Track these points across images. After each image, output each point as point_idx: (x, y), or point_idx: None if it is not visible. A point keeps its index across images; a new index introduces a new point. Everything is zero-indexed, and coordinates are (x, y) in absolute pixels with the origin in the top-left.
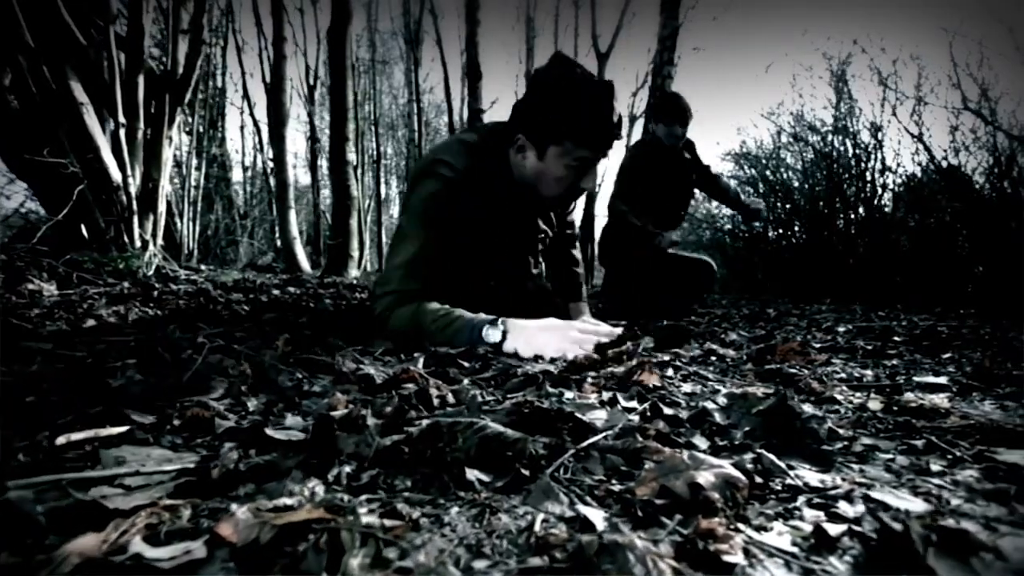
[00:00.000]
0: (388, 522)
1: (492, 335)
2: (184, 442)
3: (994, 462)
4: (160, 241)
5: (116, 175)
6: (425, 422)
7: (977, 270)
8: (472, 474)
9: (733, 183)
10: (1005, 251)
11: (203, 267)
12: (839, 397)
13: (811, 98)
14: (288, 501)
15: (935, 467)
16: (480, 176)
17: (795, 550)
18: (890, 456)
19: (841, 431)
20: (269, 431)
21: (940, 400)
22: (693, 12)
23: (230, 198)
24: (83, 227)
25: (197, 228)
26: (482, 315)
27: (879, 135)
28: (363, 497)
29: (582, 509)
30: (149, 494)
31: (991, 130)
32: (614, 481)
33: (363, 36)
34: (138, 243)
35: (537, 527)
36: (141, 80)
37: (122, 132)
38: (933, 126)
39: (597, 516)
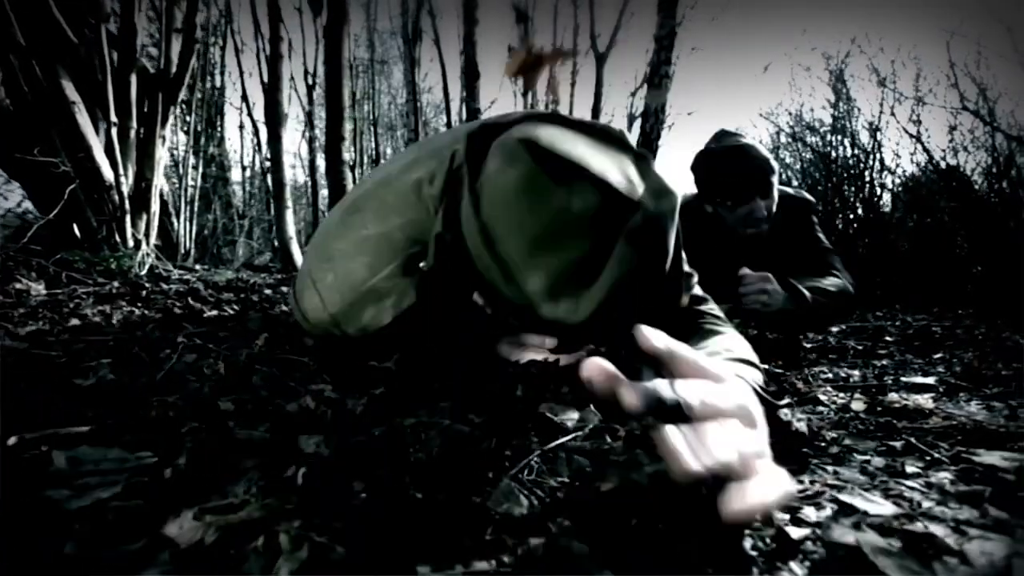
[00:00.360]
0: (335, 524)
1: None
2: (145, 442)
3: (971, 463)
4: (154, 240)
5: (108, 174)
6: (391, 423)
7: (976, 270)
8: (433, 476)
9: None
10: (1003, 251)
11: (198, 267)
12: (823, 398)
13: (809, 98)
14: (236, 502)
15: (911, 469)
16: None
17: (754, 554)
18: (867, 457)
19: (821, 432)
20: (232, 431)
21: (924, 400)
22: (692, 12)
23: (228, 198)
24: (75, 226)
25: (194, 228)
26: None
27: (877, 135)
28: (313, 499)
29: (541, 512)
30: (96, 495)
31: (989, 130)
32: (578, 483)
33: (362, 36)
34: (131, 242)
35: (490, 530)
36: (134, 79)
37: (114, 131)
38: (932, 126)
39: (554, 519)
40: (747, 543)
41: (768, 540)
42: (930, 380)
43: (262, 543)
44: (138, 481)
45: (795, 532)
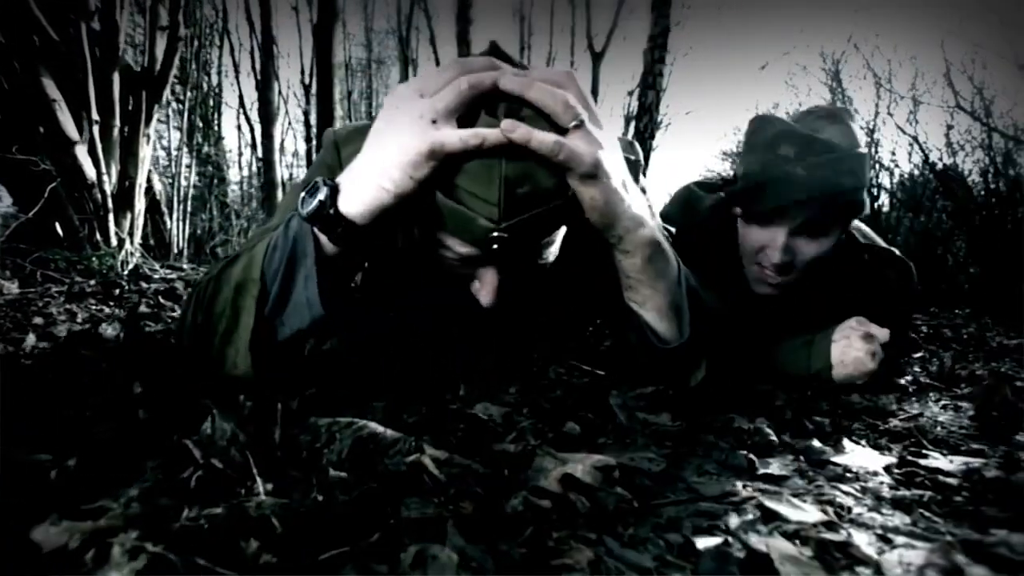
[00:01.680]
0: (207, 531)
1: (314, 199)
2: (46, 443)
3: (916, 467)
4: (138, 239)
5: (91, 172)
6: (306, 423)
7: (973, 270)
8: (337, 477)
9: None
10: (1001, 251)
11: (186, 266)
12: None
13: (807, 97)
14: (109, 506)
15: (852, 472)
16: None
17: (654, 565)
18: (811, 459)
19: (770, 434)
20: (141, 430)
21: (888, 400)
22: (689, 12)
23: (223, 197)
24: (57, 225)
25: (187, 227)
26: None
27: (874, 135)
28: (205, 503)
29: (435, 517)
30: None
31: (986, 130)
32: (491, 486)
33: (359, 36)
34: (114, 241)
35: (377, 536)
36: (116, 77)
37: (96, 129)
38: (929, 125)
39: (444, 526)
40: (647, 554)
41: (672, 546)
42: (902, 380)
43: (92, 555)
44: (24, 483)
45: (703, 542)
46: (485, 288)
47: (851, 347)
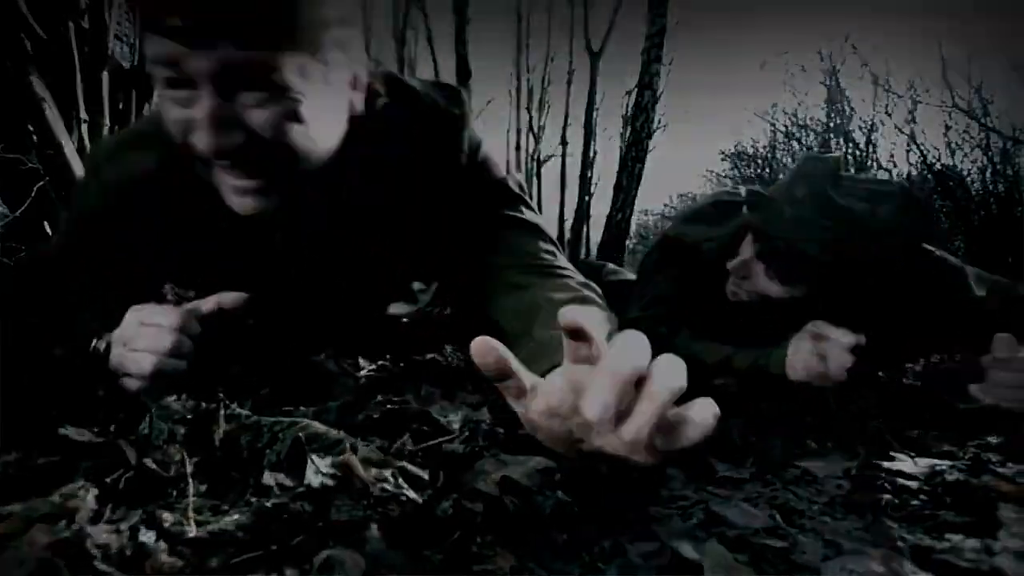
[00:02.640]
0: (110, 538)
1: None
2: None
3: (879, 469)
4: None
5: (79, 171)
6: (248, 423)
7: None
8: (272, 478)
9: None
10: (1001, 251)
11: None
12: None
13: (806, 96)
14: (19, 509)
15: (811, 475)
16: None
17: (579, 572)
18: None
19: (736, 437)
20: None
21: (867, 401)
22: (688, 12)
23: None
24: (46, 224)
25: None
26: None
27: (872, 136)
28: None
29: (364, 522)
30: None
31: (984, 129)
32: (427, 490)
33: None
34: None
35: (297, 540)
36: (106, 75)
37: (85, 128)
38: (928, 125)
39: (369, 532)
40: (576, 560)
41: (605, 552)
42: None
43: None
44: None
45: (641, 547)
46: (200, 117)
47: (799, 351)
